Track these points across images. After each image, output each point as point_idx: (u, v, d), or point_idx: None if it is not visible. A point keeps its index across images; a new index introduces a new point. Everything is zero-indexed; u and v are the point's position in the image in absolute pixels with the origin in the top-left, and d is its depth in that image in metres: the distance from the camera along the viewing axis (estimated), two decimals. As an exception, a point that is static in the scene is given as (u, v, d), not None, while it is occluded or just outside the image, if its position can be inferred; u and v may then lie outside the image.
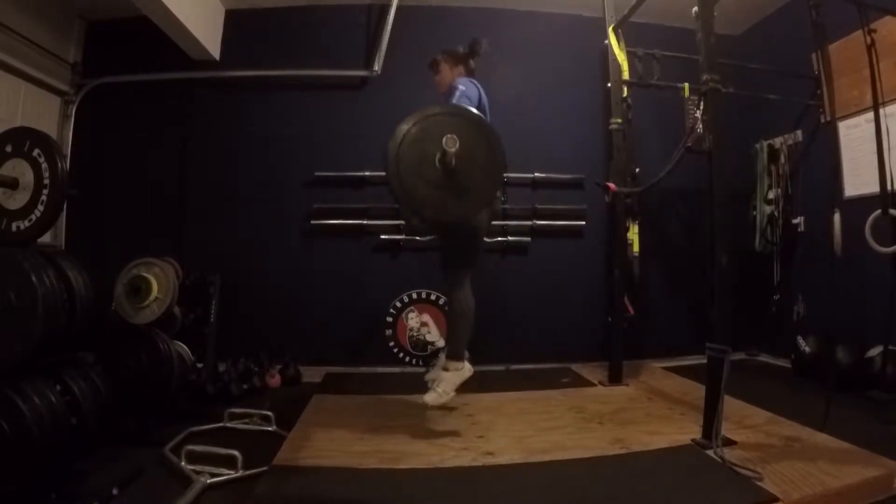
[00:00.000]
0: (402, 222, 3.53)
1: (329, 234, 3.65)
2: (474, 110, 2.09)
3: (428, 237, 3.17)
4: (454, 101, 2.18)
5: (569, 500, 1.66)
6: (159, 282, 2.66)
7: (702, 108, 2.28)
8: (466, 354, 2.36)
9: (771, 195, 3.69)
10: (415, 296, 3.67)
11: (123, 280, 2.64)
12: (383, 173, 2.02)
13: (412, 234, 3.46)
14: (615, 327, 3.22)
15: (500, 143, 1.94)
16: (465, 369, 2.28)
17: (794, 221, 3.62)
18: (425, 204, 1.94)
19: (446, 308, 2.47)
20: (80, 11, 3.68)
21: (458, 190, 1.88)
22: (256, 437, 2.39)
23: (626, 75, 3.31)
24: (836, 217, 2.72)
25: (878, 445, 1.90)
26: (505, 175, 3.55)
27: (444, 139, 1.77)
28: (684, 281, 3.84)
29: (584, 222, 3.78)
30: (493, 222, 3.51)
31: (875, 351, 2.81)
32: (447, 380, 2.24)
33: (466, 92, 2.26)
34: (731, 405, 2.20)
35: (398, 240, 3.64)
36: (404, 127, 1.89)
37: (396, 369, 3.56)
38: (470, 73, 2.49)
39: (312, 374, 3.42)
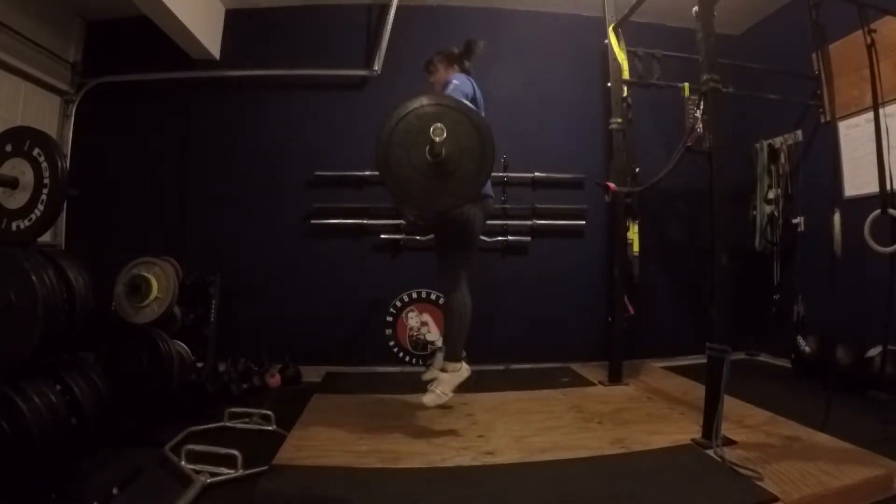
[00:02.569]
0: (402, 222, 3.53)
1: (329, 233, 3.65)
2: (465, 101, 2.09)
3: (428, 236, 3.17)
4: (448, 92, 2.18)
5: (569, 499, 1.66)
6: (159, 281, 2.66)
7: (702, 108, 2.28)
8: (464, 354, 2.36)
9: (771, 195, 3.69)
10: (415, 295, 3.67)
11: (123, 280, 2.64)
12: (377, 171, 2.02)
13: (412, 232, 3.46)
14: (615, 327, 3.22)
15: (490, 131, 1.94)
16: (463, 370, 2.27)
17: (794, 221, 3.62)
18: (414, 193, 1.95)
19: (443, 308, 2.45)
20: (80, 11, 3.68)
21: (446, 178, 1.89)
22: (256, 436, 2.39)
23: (626, 75, 3.31)
24: (836, 217, 2.72)
25: (878, 445, 1.90)
26: (505, 175, 3.66)
27: (431, 129, 1.79)
28: (684, 281, 3.84)
29: (584, 222, 3.78)
30: (493, 222, 3.55)
31: (875, 351, 2.81)
32: (445, 381, 2.25)
33: (461, 86, 2.25)
34: (731, 405, 2.20)
35: (398, 239, 3.64)
36: (393, 118, 1.91)
37: (396, 369, 3.56)
38: (465, 73, 2.47)
39: (312, 374, 3.43)
